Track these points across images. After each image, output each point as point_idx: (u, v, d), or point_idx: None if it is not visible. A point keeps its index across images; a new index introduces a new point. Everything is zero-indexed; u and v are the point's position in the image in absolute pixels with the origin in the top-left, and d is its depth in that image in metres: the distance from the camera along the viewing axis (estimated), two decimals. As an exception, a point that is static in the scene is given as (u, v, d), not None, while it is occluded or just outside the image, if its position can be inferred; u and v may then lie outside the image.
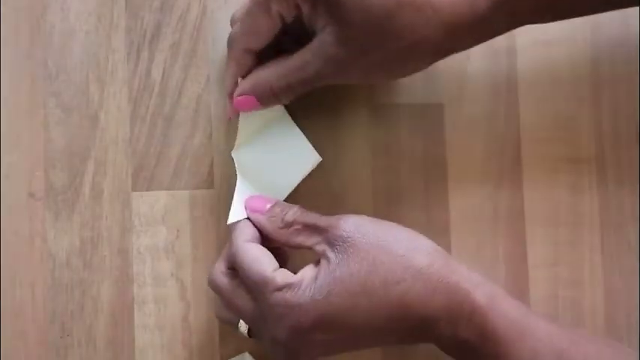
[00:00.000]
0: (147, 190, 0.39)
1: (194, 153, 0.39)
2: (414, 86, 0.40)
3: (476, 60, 0.40)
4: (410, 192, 0.40)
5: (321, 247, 0.33)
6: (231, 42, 0.35)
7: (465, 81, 0.40)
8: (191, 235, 0.39)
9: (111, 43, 0.39)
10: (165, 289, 0.39)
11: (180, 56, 0.39)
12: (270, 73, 0.34)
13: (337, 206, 0.39)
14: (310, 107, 0.39)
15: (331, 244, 0.32)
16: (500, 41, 0.40)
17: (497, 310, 0.31)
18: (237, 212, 0.36)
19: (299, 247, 0.34)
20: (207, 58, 0.39)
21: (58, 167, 0.39)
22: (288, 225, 0.34)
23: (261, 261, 0.32)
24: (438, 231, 0.40)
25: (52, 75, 0.39)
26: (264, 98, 0.34)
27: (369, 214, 0.39)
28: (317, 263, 0.33)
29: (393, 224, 0.34)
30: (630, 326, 0.40)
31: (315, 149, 0.37)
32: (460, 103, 0.40)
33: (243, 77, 0.35)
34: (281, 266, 0.33)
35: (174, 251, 0.39)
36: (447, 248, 0.40)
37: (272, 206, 0.35)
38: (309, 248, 0.33)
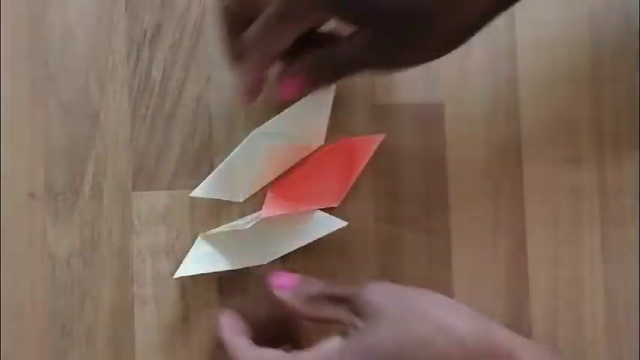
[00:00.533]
0: (147, 190, 0.39)
1: (194, 153, 0.39)
2: (414, 86, 0.40)
3: (476, 60, 0.40)
4: (410, 192, 0.40)
5: (348, 318, 0.32)
6: (246, 53, 0.33)
7: (465, 81, 0.40)
8: (191, 235, 0.39)
9: (111, 43, 0.39)
10: (165, 289, 0.39)
11: (180, 56, 0.39)
12: (312, 60, 0.32)
13: (337, 207, 0.39)
14: (310, 107, 0.39)
15: (358, 312, 0.31)
16: (500, 41, 0.40)
17: None
18: (186, 268, 0.37)
19: (326, 320, 0.33)
20: (207, 58, 0.39)
21: (58, 167, 0.39)
22: (314, 299, 0.33)
23: (268, 355, 0.31)
24: (438, 231, 0.40)
25: (52, 75, 0.39)
26: (308, 80, 0.33)
27: (368, 215, 0.39)
28: (345, 335, 0.31)
29: (420, 289, 0.33)
30: (630, 327, 0.40)
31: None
32: (460, 102, 0.40)
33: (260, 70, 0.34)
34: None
35: (174, 251, 0.39)
36: (447, 248, 0.40)
37: (298, 283, 0.34)
38: (337, 321, 0.32)
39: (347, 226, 0.38)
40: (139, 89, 0.39)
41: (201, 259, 0.37)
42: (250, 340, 0.33)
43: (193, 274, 0.37)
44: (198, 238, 0.38)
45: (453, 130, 0.40)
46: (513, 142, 0.40)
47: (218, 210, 0.39)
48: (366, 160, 0.38)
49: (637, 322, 0.40)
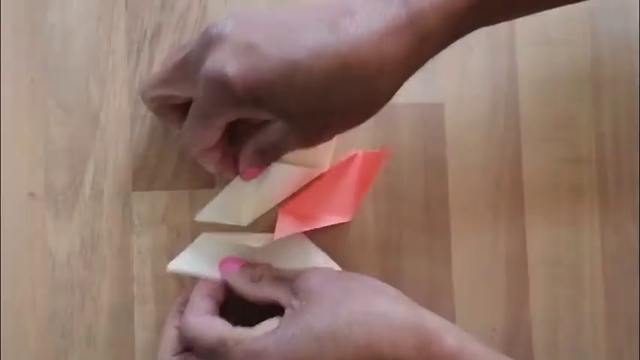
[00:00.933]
0: (147, 190, 0.39)
1: (194, 153, 0.39)
2: (414, 86, 0.40)
3: (476, 60, 0.40)
4: (410, 192, 0.40)
5: (286, 298, 0.33)
6: (185, 149, 0.34)
7: (465, 81, 0.40)
8: (191, 235, 0.39)
9: (111, 43, 0.39)
10: (165, 289, 0.39)
11: (181, 56, 0.39)
12: (252, 151, 0.33)
13: (337, 206, 0.39)
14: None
15: (296, 294, 0.32)
16: (500, 41, 0.41)
17: (469, 351, 0.31)
18: (181, 262, 0.36)
19: (267, 300, 0.34)
20: (207, 58, 0.39)
21: (58, 167, 0.39)
22: (257, 280, 0.35)
23: (215, 325, 0.32)
24: (437, 231, 0.40)
25: (52, 75, 0.39)
26: (258, 166, 0.34)
27: (368, 215, 0.39)
28: (281, 315, 0.32)
29: (357, 274, 0.34)
30: (630, 327, 0.40)
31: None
32: (460, 102, 0.40)
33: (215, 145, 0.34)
34: None
35: (174, 251, 0.39)
36: (447, 248, 0.40)
37: (244, 265, 0.36)
38: (276, 302, 0.33)
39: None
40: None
41: (198, 259, 0.37)
42: (214, 305, 0.35)
43: (184, 272, 0.36)
44: (202, 235, 0.37)
45: (453, 130, 0.40)
46: (513, 142, 0.40)
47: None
48: (376, 174, 0.38)
49: (637, 322, 0.40)
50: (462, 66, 0.40)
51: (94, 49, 0.39)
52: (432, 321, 0.31)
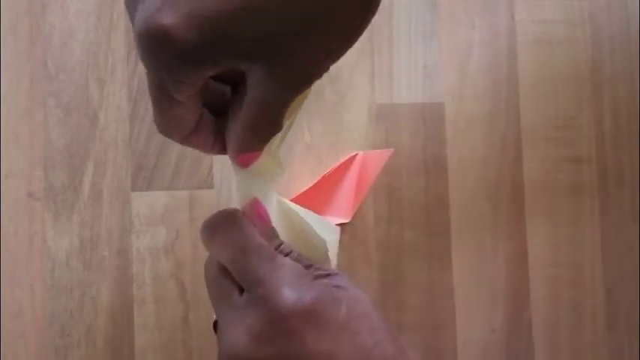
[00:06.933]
0: (146, 190, 0.39)
1: (194, 153, 0.39)
2: (414, 86, 0.40)
3: (477, 59, 0.40)
4: (410, 192, 0.40)
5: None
6: (166, 135, 0.27)
7: (465, 80, 0.40)
8: (191, 236, 0.39)
9: (111, 43, 0.39)
10: (164, 289, 0.39)
11: (180, 56, 0.39)
12: (239, 129, 0.26)
13: (337, 206, 0.39)
14: (310, 107, 0.39)
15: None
16: (500, 40, 0.40)
17: None
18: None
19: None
20: (206, 58, 0.39)
21: (57, 167, 0.39)
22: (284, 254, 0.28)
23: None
24: (438, 231, 0.40)
25: (52, 75, 0.39)
26: (255, 147, 0.27)
27: (369, 214, 0.39)
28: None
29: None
30: (631, 327, 0.40)
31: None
32: (461, 102, 0.40)
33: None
34: None
35: (173, 251, 0.39)
36: (447, 248, 0.40)
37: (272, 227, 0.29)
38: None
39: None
40: (139, 89, 0.39)
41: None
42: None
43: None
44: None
45: (453, 130, 0.40)
46: (513, 142, 0.40)
47: (218, 210, 0.39)
48: (376, 174, 0.38)
49: (637, 322, 0.40)
50: (462, 66, 0.40)
51: (93, 49, 0.39)
52: None
